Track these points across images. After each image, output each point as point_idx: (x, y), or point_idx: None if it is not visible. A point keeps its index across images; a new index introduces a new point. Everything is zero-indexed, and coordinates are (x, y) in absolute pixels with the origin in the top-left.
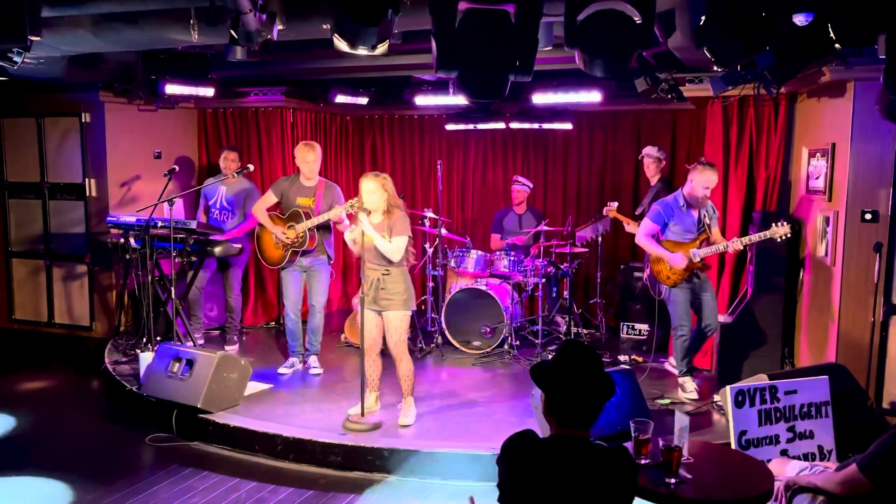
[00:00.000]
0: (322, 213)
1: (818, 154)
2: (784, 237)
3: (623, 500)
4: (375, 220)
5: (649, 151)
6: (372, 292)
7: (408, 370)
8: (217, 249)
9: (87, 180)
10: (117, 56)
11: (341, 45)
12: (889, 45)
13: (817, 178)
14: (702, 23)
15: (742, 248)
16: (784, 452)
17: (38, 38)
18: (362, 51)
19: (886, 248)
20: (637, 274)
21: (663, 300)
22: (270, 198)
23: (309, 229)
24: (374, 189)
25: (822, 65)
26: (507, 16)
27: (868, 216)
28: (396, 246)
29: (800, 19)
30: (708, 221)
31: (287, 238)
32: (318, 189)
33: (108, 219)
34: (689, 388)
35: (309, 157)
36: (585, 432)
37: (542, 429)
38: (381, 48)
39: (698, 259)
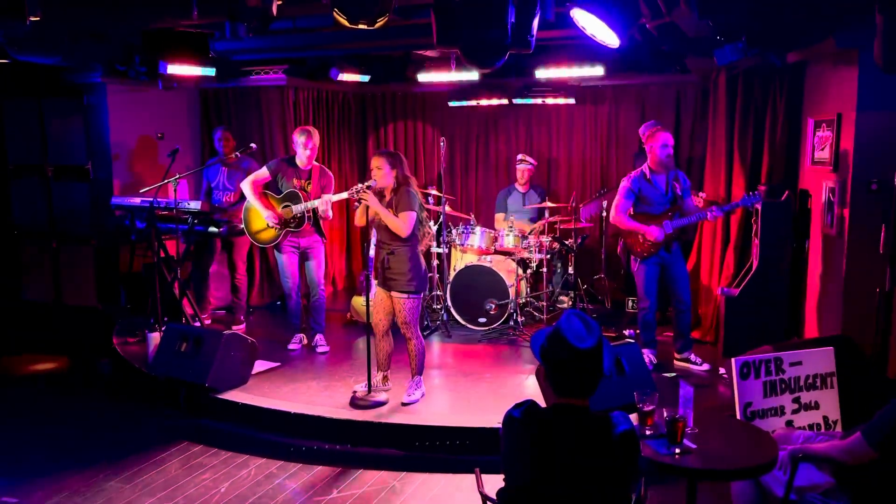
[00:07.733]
0: (315, 197)
1: (823, 125)
2: (753, 209)
3: (623, 467)
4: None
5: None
6: (380, 271)
7: (416, 349)
8: (221, 229)
9: (90, 162)
10: (118, 35)
11: (341, 19)
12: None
13: (822, 149)
14: None
15: (713, 219)
16: (789, 423)
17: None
18: (362, 25)
19: (893, 218)
20: None
21: (633, 273)
22: (263, 173)
23: (305, 210)
24: (381, 165)
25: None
26: None
27: (874, 186)
28: (404, 222)
29: None
30: (679, 193)
31: (278, 217)
32: (315, 173)
33: (113, 200)
34: (694, 360)
35: (304, 142)
36: (584, 401)
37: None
38: (381, 23)
39: (671, 230)
